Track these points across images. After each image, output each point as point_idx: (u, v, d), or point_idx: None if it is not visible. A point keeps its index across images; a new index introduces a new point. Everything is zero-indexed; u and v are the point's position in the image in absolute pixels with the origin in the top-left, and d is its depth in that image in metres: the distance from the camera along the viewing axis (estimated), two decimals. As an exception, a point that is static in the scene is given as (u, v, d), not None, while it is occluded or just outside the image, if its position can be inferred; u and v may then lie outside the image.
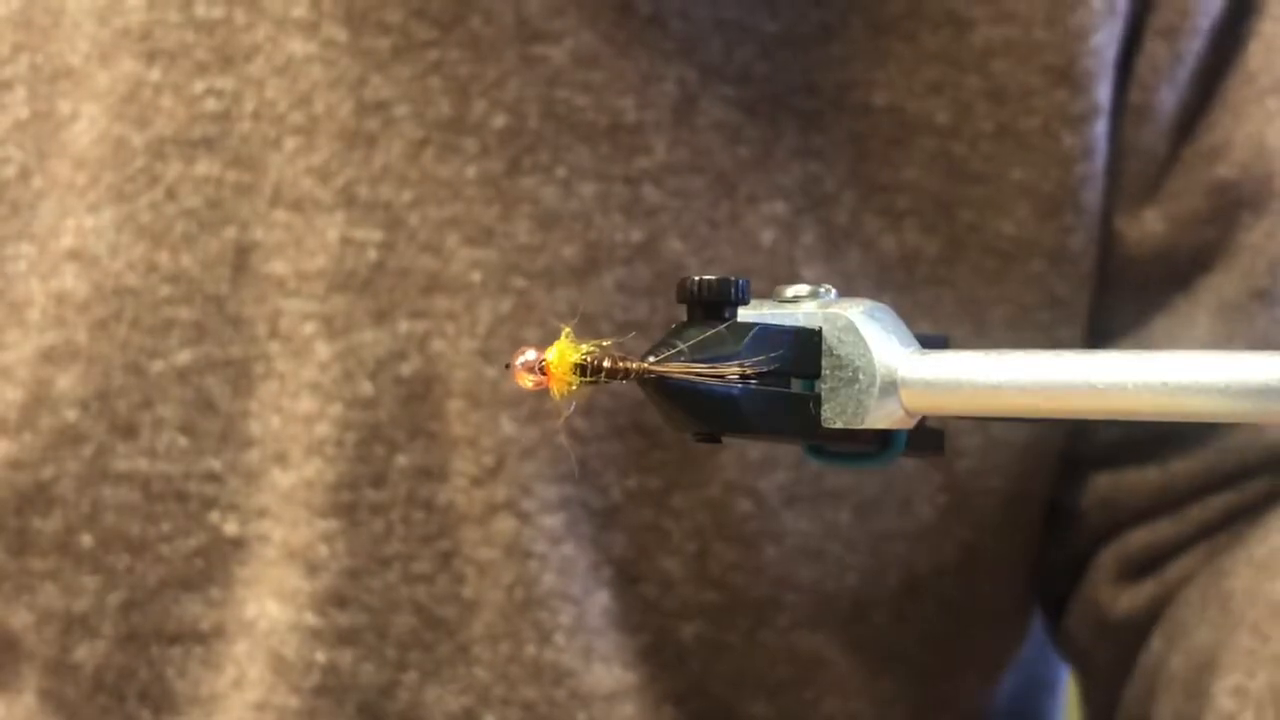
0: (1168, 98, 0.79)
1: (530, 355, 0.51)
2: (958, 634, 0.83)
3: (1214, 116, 0.79)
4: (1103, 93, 0.78)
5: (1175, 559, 0.80)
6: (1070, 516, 0.82)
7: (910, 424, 0.52)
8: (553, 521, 0.76)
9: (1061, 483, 0.82)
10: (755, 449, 0.77)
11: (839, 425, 0.51)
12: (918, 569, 0.80)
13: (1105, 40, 0.77)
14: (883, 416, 0.51)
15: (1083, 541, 0.82)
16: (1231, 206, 0.79)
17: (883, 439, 0.54)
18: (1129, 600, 0.80)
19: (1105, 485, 0.81)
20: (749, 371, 0.50)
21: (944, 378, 0.51)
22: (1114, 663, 0.81)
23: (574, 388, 0.51)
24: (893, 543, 0.79)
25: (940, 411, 0.52)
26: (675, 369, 0.50)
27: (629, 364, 0.51)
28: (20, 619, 0.79)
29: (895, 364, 0.51)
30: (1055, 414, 0.50)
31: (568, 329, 0.51)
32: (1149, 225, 0.79)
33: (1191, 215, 0.79)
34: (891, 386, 0.51)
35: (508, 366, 0.51)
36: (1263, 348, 0.77)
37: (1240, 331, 0.78)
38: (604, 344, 0.51)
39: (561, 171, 0.75)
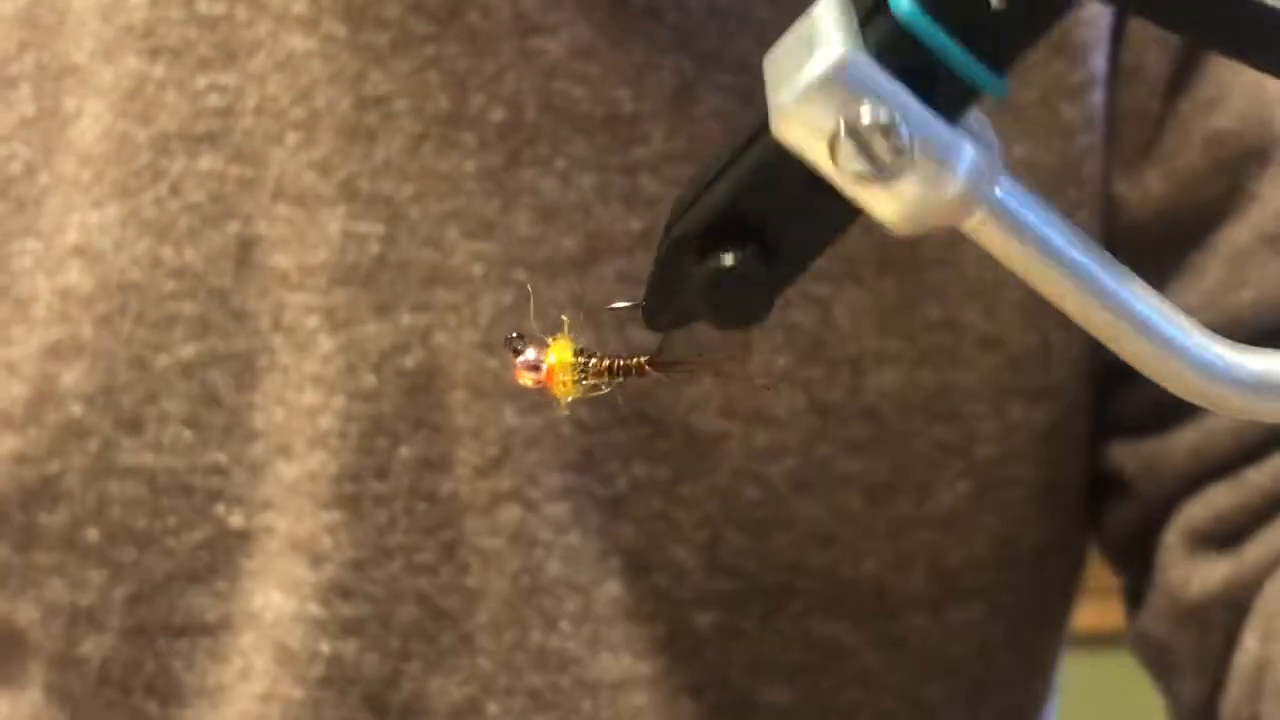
0: (1158, 58, 0.78)
1: (530, 354, 0.51)
2: (1013, 639, 0.82)
3: (1209, 69, 0.78)
4: (1098, 62, 0.78)
5: (1249, 537, 0.78)
6: (1120, 491, 0.81)
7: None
8: (558, 510, 0.77)
9: (1108, 456, 0.81)
10: (761, 437, 0.77)
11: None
12: (947, 561, 0.79)
13: (1099, 9, 0.77)
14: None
15: (1139, 518, 0.81)
16: (1234, 159, 0.78)
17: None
18: (1201, 581, 0.79)
19: (1148, 451, 0.80)
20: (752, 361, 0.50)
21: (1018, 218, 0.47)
22: (1196, 654, 0.79)
23: (576, 382, 0.51)
24: (914, 531, 0.79)
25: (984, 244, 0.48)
26: (674, 362, 0.51)
27: (628, 361, 0.51)
28: (26, 614, 0.79)
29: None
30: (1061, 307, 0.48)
31: (563, 332, 0.51)
32: (1150, 186, 0.79)
33: (1191, 172, 0.78)
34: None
35: (509, 344, 0.51)
36: (1273, 293, 0.76)
37: (1251, 278, 0.77)
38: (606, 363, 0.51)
39: (560, 163, 0.76)
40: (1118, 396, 0.80)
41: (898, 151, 0.45)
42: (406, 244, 0.76)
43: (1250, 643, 0.76)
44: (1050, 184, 0.77)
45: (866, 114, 0.45)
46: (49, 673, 0.80)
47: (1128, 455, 0.81)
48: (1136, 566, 0.83)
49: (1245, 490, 0.78)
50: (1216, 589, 0.78)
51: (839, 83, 0.45)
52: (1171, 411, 0.79)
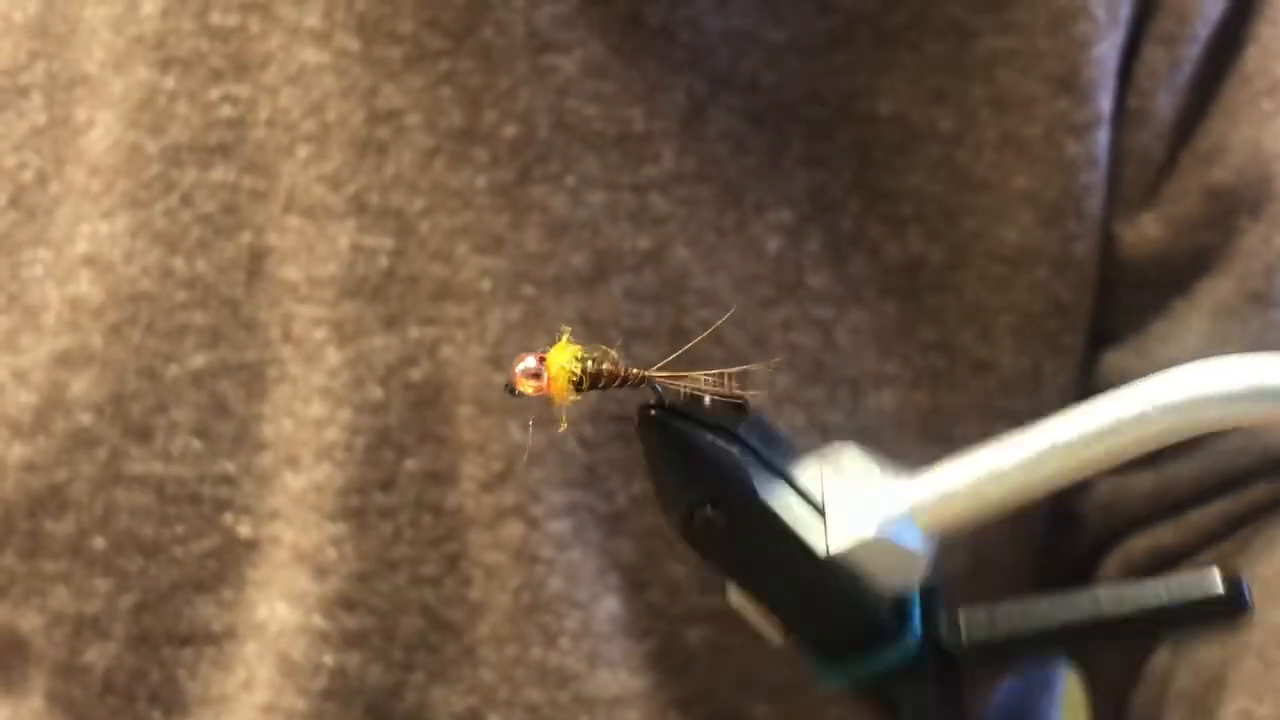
0: (1165, 103, 0.79)
1: (530, 362, 0.51)
2: None
3: (1211, 120, 0.79)
4: (1105, 102, 0.78)
5: (1177, 566, 0.79)
6: (1073, 523, 0.82)
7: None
8: (560, 527, 0.77)
9: (1066, 491, 0.82)
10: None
11: (846, 546, 0.53)
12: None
13: (1108, 50, 0.78)
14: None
15: (1085, 548, 0.82)
16: (1228, 211, 0.79)
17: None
18: None
19: (1106, 491, 0.81)
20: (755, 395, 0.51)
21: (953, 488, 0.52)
22: (1120, 669, 0.81)
23: (574, 393, 0.51)
24: None
25: (956, 520, 0.52)
26: (676, 378, 0.51)
27: (629, 371, 0.51)
28: (30, 622, 0.79)
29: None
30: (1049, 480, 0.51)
31: (566, 333, 0.51)
32: (1146, 230, 0.79)
33: (1187, 220, 0.79)
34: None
35: (509, 388, 0.52)
36: (1257, 350, 0.78)
37: (1234, 334, 0.78)
38: (608, 352, 0.52)
39: (571, 180, 0.76)
40: None
41: None
42: (416, 258, 0.76)
43: (1163, 655, 0.78)
44: (1049, 215, 0.78)
45: None
46: (51, 681, 0.80)
47: (1086, 495, 0.82)
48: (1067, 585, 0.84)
49: (1187, 529, 0.80)
50: None
51: None
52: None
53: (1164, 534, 0.80)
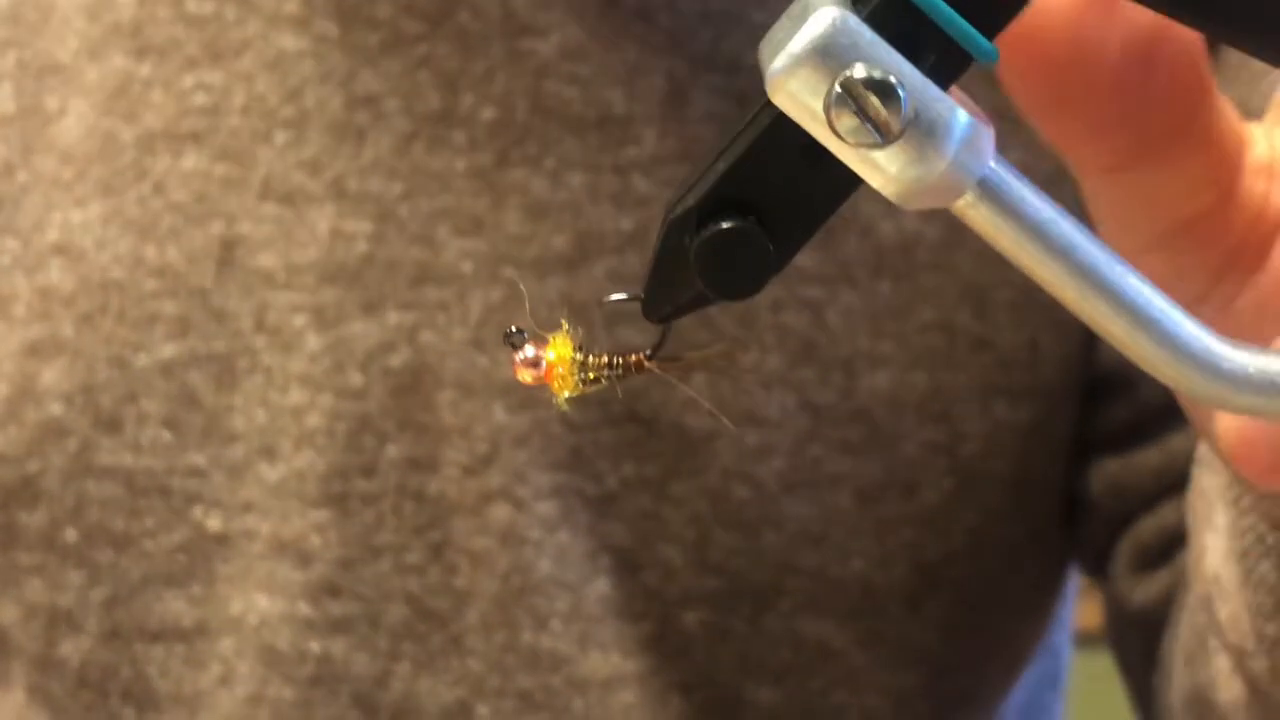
0: None
1: (529, 351, 0.50)
2: (978, 625, 0.83)
3: None
4: None
5: (1183, 548, 0.78)
6: (1088, 507, 0.82)
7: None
8: (547, 508, 0.76)
9: (1078, 472, 0.82)
10: (752, 437, 0.77)
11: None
12: (927, 556, 0.80)
13: None
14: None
15: (1101, 532, 0.82)
16: None
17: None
18: (1144, 592, 0.80)
19: (1114, 470, 0.81)
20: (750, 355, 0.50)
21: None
22: (1142, 657, 0.80)
23: (575, 379, 0.51)
24: (899, 529, 0.79)
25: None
26: (675, 361, 0.50)
27: (627, 358, 0.50)
28: (7, 614, 0.79)
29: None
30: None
31: (561, 329, 0.51)
32: None
33: None
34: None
35: (508, 339, 0.51)
36: None
37: None
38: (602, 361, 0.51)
39: (550, 163, 0.76)
40: (1091, 414, 0.81)
41: (893, 112, 0.45)
42: (395, 242, 0.75)
43: (1168, 637, 0.78)
44: (1046, 187, 0.77)
45: (861, 70, 0.45)
46: (31, 673, 0.79)
47: (1096, 476, 0.82)
48: (1096, 575, 0.84)
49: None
50: (1157, 598, 0.80)
51: (833, 44, 0.45)
52: (1137, 433, 0.80)
53: (1168, 514, 0.79)
